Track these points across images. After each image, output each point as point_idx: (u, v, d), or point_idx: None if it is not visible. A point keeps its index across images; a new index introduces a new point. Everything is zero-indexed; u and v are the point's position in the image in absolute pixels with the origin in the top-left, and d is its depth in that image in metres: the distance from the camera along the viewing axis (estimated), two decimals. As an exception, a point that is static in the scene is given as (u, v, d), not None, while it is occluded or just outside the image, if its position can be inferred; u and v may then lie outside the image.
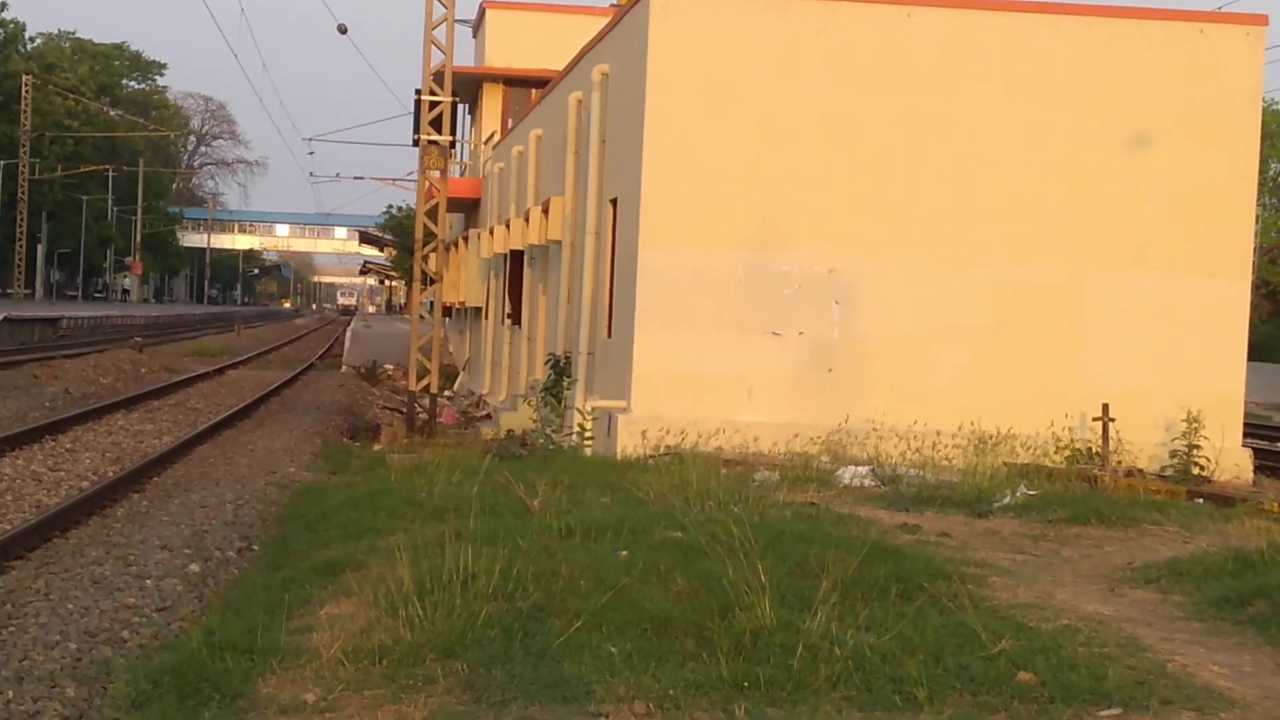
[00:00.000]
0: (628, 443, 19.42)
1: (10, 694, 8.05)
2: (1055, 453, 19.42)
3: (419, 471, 16.78)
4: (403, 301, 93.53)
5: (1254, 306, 22.87)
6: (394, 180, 73.70)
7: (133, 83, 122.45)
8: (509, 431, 23.74)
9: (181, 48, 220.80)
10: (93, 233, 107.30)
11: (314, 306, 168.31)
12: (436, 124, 25.89)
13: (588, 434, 20.55)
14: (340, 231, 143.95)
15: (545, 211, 26.16)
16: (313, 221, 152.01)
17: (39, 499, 15.99)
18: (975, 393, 19.97)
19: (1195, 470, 19.15)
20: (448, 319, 39.83)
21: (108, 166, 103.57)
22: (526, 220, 28.07)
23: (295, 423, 26.65)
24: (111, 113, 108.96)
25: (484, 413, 29.53)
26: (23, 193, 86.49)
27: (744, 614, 9.00)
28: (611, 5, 36.98)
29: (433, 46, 25.56)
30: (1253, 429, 24.86)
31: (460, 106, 38.66)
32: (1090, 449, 19.43)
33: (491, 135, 40.69)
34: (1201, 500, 16.79)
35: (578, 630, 8.96)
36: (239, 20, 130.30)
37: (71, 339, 55.00)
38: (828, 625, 8.85)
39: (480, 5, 44.30)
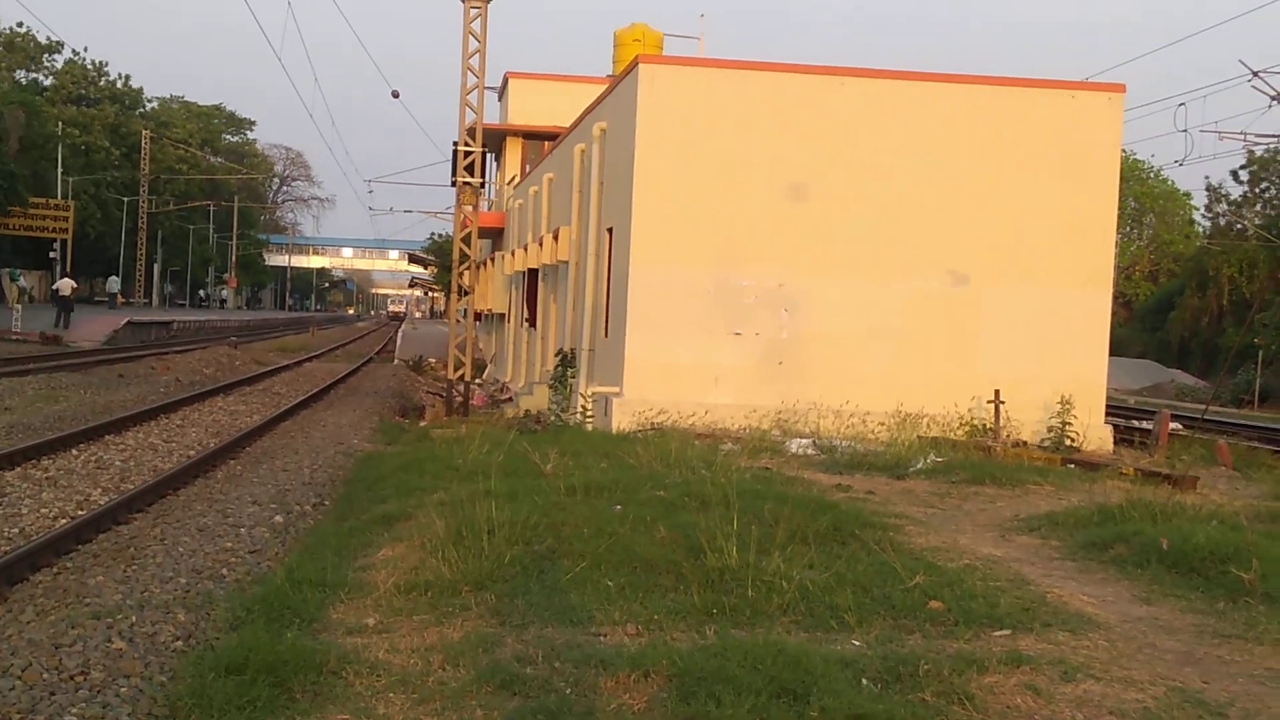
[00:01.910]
0: (621, 420, 19.42)
1: (134, 619, 8.04)
2: (958, 428, 19.48)
3: (456, 443, 16.80)
4: (443, 309, 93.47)
5: (1114, 313, 22.90)
6: (436, 213, 73.91)
7: (229, 136, 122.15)
8: (527, 411, 23.73)
9: (268, 108, 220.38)
10: (197, 254, 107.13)
11: (372, 313, 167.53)
12: (470, 169, 25.85)
13: (589, 413, 20.55)
14: (393, 253, 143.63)
15: (556, 238, 26.14)
16: (371, 245, 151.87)
17: (155, 464, 15.96)
18: (894, 380, 20.00)
19: (1067, 442, 19.20)
20: (478, 322, 39.78)
21: (209, 202, 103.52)
22: (541, 245, 28.07)
23: (358, 404, 26.64)
24: (212, 160, 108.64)
25: (507, 396, 29.49)
26: (142, 223, 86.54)
27: (713, 555, 9.03)
28: (608, 75, 36.96)
29: (467, 108, 25.53)
30: (1112, 410, 24.91)
31: (488, 155, 38.57)
32: (985, 425, 19.48)
33: (513, 178, 40.65)
34: (1073, 466, 16.86)
35: (582, 569, 8.99)
36: (314, 86, 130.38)
37: (181, 338, 54.85)
38: (779, 564, 8.88)
39: (504, 75, 44.29)
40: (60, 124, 78.72)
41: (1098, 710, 6.52)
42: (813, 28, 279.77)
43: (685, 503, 11.10)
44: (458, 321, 27.80)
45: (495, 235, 42.55)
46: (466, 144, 25.69)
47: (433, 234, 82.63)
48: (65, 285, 50.46)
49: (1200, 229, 68.61)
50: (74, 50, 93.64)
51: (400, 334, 61.45)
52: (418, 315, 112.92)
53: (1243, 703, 6.75)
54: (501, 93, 44.99)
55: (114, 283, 78.06)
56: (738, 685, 6.35)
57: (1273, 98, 38.86)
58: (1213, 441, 22.24)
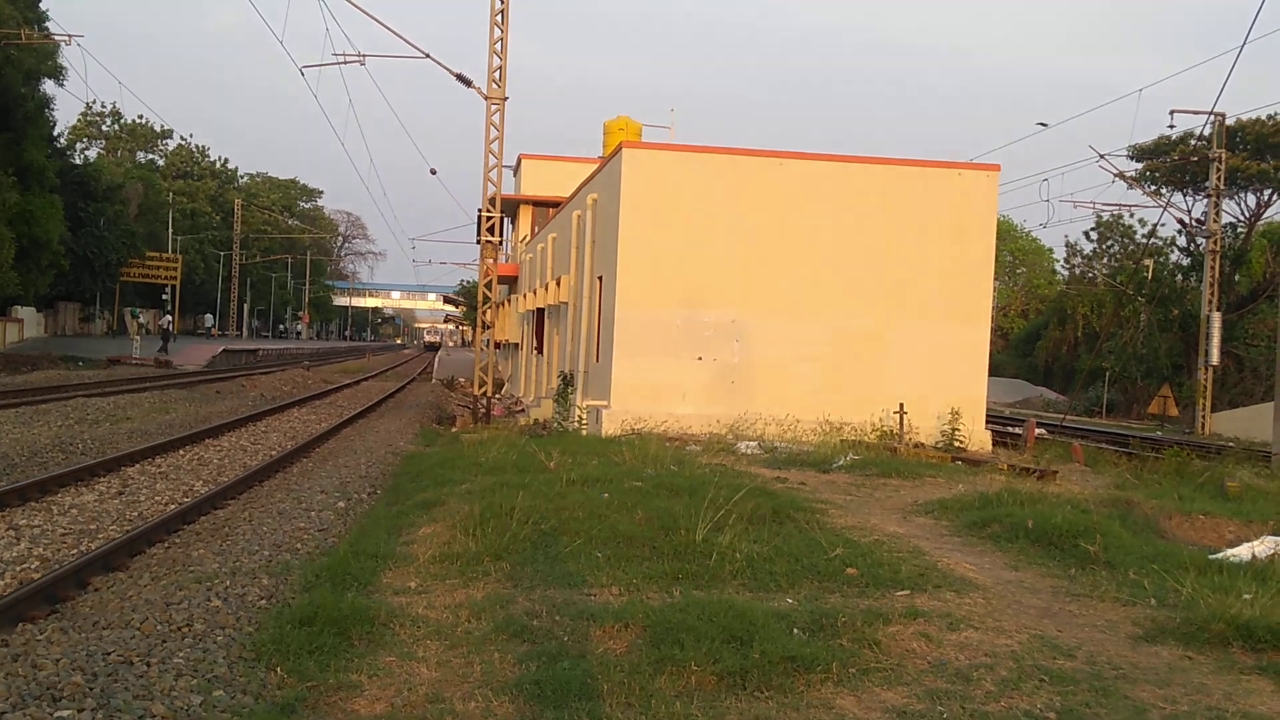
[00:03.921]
0: (609, 426, 19.46)
1: (228, 582, 8.04)
2: (871, 433, 19.54)
3: (480, 445, 16.81)
4: (470, 339, 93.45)
5: (992, 343, 23.01)
6: (465, 264, 74.14)
7: (303, 203, 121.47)
8: (536, 420, 23.74)
9: (333, 181, 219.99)
10: (278, 296, 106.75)
11: (415, 343, 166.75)
12: (491, 230, 25.91)
13: (584, 421, 20.57)
14: (431, 295, 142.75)
15: (558, 284, 26.21)
16: (414, 289, 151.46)
17: (245, 461, 15.93)
18: (821, 396, 20.10)
19: (956, 444, 19.32)
20: (498, 350, 39.74)
21: (287, 256, 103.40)
22: (547, 289, 28.15)
23: (403, 414, 26.57)
24: (290, 222, 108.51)
25: (520, 408, 29.45)
26: (235, 272, 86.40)
27: (680, 533, 9.06)
28: (599, 156, 37.06)
29: (489, 182, 25.58)
30: (991, 418, 25.06)
31: (505, 219, 38.63)
32: (892, 431, 19.56)
33: (525, 237, 40.66)
34: (960, 462, 16.93)
35: (578, 544, 9.00)
36: (369, 165, 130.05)
37: (265, 363, 54.63)
38: (731, 540, 8.91)
39: (518, 156, 44.31)
40: (171, 194, 78.63)
41: (976, 653, 6.58)
42: (765, 111, 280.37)
43: (659, 491, 11.12)
44: (482, 349, 27.79)
45: (511, 281, 42.54)
46: (488, 210, 25.74)
47: (462, 281, 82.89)
48: (164, 320, 50.76)
49: (1060, 277, 69.02)
50: (182, 136, 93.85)
51: (436, 360, 61.33)
52: (450, 344, 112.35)
53: (1088, 647, 6.82)
54: (516, 169, 45.02)
55: (209, 319, 77.97)
56: (697, 633, 6.39)
57: (1115, 174, 39.21)
58: (1069, 443, 22.40)
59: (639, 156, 20.90)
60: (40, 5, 38.88)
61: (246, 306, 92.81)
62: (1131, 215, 55.76)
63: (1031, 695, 5.89)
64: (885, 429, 19.65)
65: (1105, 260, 58.69)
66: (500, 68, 24.67)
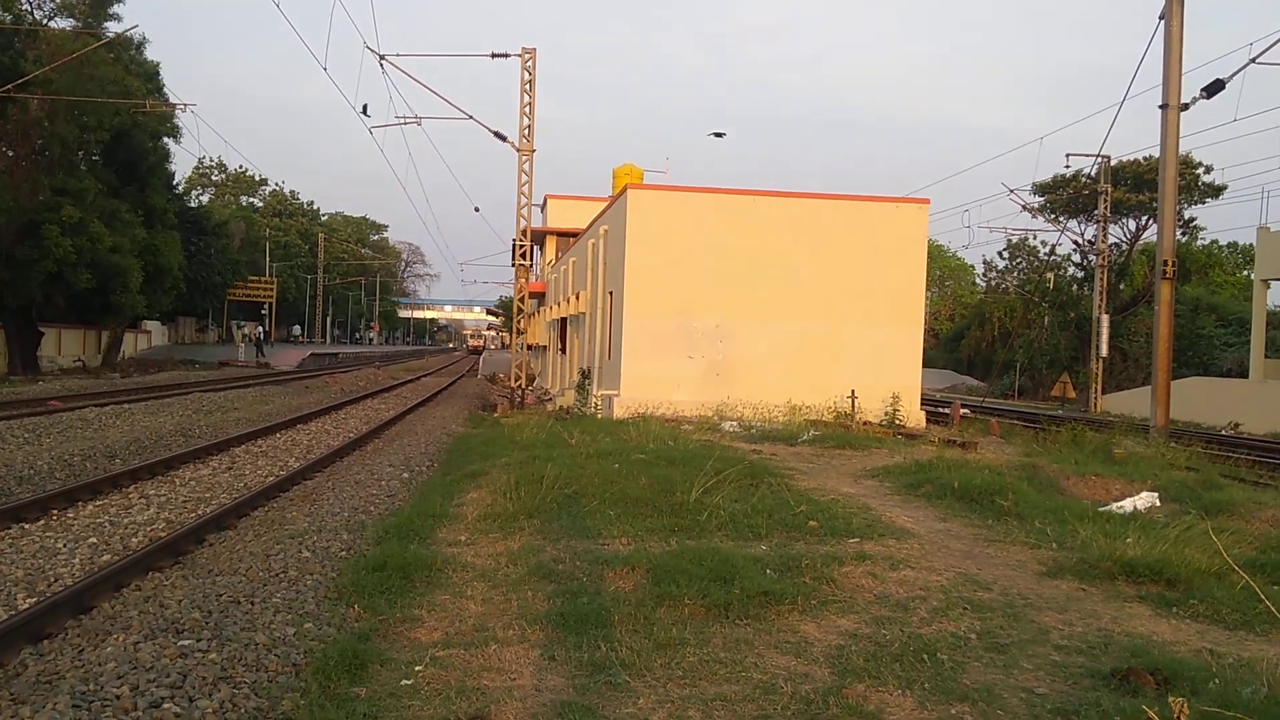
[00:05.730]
0: (619, 412, 19.44)
1: (315, 538, 8.07)
2: (828, 414, 19.50)
3: (516, 427, 16.80)
4: (508, 343, 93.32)
5: (926, 341, 22.93)
6: (503, 283, 74.16)
7: (373, 235, 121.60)
8: (560, 406, 23.71)
9: (398, 216, 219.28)
10: (353, 310, 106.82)
11: (463, 347, 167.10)
12: (524, 256, 25.89)
13: (599, 407, 20.56)
14: (477, 308, 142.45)
15: (577, 298, 26.18)
16: (462, 303, 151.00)
17: (329, 442, 15.97)
18: (787, 385, 20.06)
19: (897, 422, 19.23)
20: (530, 351, 39.71)
21: (361, 278, 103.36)
22: (568, 302, 28.11)
23: (454, 403, 26.60)
24: (362, 250, 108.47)
25: (548, 398, 29.40)
26: (319, 291, 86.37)
27: (676, 494, 9.06)
28: (608, 196, 36.97)
29: (521, 218, 25.58)
30: (925, 400, 25.01)
31: (535, 246, 38.58)
32: (845, 411, 19.52)
33: (551, 260, 40.63)
34: (900, 436, 16.88)
35: (594, 504, 9.02)
36: (426, 204, 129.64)
37: (344, 363, 54.55)
38: (717, 500, 8.92)
39: (545, 196, 44.29)
40: (267, 230, 78.72)
41: (912, 587, 6.59)
42: (745, 155, 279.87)
43: (659, 462, 11.11)
44: (517, 351, 27.76)
45: (540, 296, 42.48)
46: (521, 241, 25.72)
47: (501, 296, 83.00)
48: (258, 331, 51.10)
49: (979, 287, 68.71)
50: (276, 183, 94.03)
51: (481, 359, 61.30)
52: (491, 347, 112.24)
53: (1002, 582, 6.83)
54: (543, 207, 44.92)
55: (296, 329, 78.04)
56: (690, 574, 6.40)
57: (1022, 206, 39.17)
58: (988, 420, 22.35)
59: (641, 196, 20.86)
60: (159, 78, 39.16)
61: (329, 318, 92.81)
62: (1036, 238, 55.39)
63: (957, 620, 5.89)
64: (839, 410, 19.62)
65: (1015, 274, 58.35)
66: (529, 126, 24.65)
